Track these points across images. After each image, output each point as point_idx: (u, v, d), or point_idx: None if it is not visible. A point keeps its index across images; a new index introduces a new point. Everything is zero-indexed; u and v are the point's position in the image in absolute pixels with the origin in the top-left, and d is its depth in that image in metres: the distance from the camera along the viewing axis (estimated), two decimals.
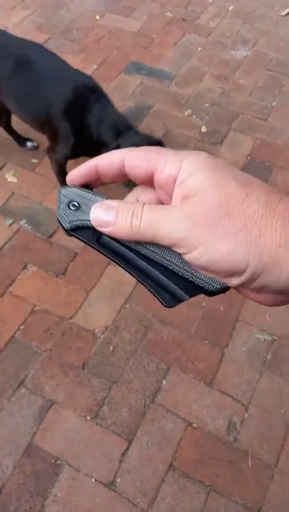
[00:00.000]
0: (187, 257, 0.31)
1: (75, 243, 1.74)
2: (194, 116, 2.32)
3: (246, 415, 1.44)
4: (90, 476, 1.32)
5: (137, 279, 0.35)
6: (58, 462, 1.33)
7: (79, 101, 1.67)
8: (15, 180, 1.99)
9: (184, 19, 2.87)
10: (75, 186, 0.36)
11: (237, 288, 0.32)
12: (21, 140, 2.08)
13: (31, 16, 2.78)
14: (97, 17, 2.82)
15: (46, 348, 1.53)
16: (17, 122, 1.95)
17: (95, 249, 0.36)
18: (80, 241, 0.36)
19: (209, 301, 1.66)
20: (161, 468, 1.34)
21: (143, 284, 0.34)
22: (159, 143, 1.66)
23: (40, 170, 2.02)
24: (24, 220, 1.85)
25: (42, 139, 1.91)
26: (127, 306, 1.64)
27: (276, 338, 1.60)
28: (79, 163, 0.37)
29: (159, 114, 2.32)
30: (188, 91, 2.45)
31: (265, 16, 2.93)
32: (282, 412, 1.45)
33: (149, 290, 0.34)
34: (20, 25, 2.71)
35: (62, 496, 1.28)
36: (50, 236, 1.81)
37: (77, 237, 0.36)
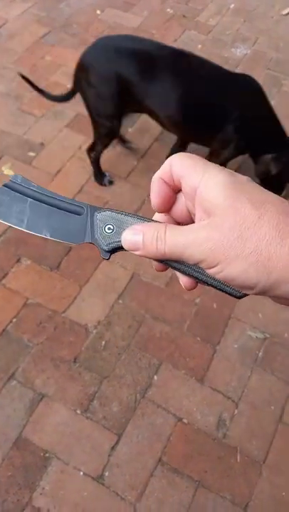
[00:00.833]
0: (209, 272, 0.36)
1: None
2: None
3: (236, 412, 1.44)
4: (78, 469, 1.32)
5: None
6: (47, 455, 1.33)
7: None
8: (11, 173, 1.98)
9: (184, 16, 2.86)
10: (108, 209, 0.39)
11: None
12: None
13: (31, 8, 2.76)
14: (98, 11, 2.81)
15: (38, 342, 1.53)
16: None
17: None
18: None
19: (203, 298, 1.66)
20: (150, 462, 1.34)
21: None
22: None
23: (37, 163, 2.02)
24: None
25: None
26: (120, 301, 1.64)
27: (268, 335, 1.60)
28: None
29: None
30: None
31: (266, 15, 2.93)
32: (272, 409, 1.46)
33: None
34: (20, 18, 2.69)
35: (51, 488, 1.28)
36: None
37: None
